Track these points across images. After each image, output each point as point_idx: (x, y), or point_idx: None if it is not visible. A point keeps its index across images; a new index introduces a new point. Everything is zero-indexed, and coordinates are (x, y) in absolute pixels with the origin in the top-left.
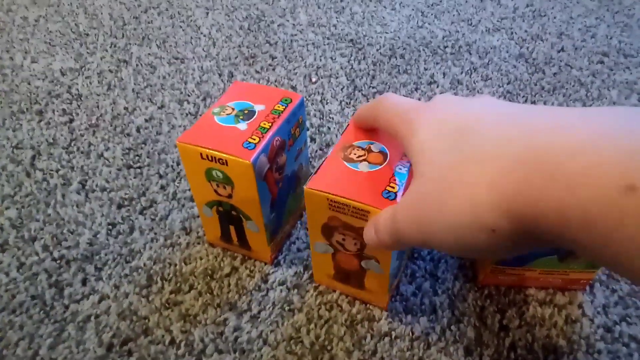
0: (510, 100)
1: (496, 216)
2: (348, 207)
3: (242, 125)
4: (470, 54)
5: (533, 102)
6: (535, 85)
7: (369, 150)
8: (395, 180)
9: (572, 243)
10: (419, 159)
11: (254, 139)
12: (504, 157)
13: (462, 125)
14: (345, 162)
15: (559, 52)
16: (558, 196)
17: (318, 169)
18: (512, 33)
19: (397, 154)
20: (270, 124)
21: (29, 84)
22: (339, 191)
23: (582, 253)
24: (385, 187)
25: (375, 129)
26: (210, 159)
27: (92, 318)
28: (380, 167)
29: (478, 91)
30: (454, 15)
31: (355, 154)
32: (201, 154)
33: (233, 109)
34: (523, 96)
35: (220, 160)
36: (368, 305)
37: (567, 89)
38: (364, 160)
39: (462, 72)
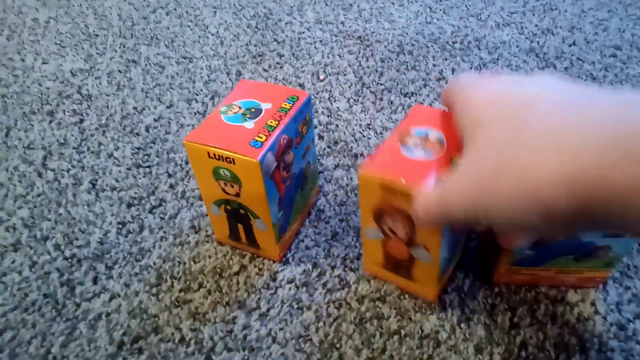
0: None
1: (558, 194)
2: (400, 191)
3: (249, 124)
4: (480, 49)
5: None
6: None
7: (426, 139)
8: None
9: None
10: (475, 131)
11: (261, 137)
12: (572, 137)
13: (524, 102)
14: (401, 147)
15: (570, 46)
16: (633, 170)
17: (374, 153)
18: (522, 27)
19: (455, 144)
20: (277, 122)
21: (40, 85)
22: (392, 175)
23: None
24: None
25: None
26: (217, 157)
27: (103, 316)
28: (435, 155)
29: None
30: (462, 10)
31: (412, 141)
32: (208, 152)
33: (240, 108)
34: None
35: (228, 159)
36: (417, 299)
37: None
38: (421, 147)
39: (471, 68)
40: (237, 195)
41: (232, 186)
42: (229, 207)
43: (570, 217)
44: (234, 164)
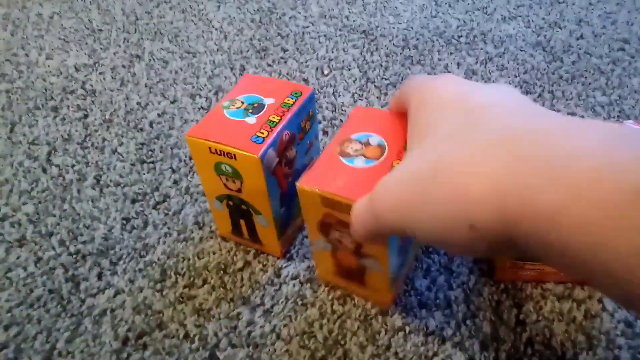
0: (527, 91)
1: (485, 212)
2: (341, 204)
3: (251, 119)
4: (486, 43)
5: (551, 92)
6: (553, 74)
7: (367, 144)
8: None
9: (552, 249)
10: (414, 134)
11: (263, 133)
12: (508, 151)
13: (470, 108)
14: (340, 157)
15: (577, 39)
16: (558, 197)
17: (312, 164)
18: (528, 21)
19: (397, 149)
20: (279, 118)
21: (44, 80)
22: (331, 188)
23: (557, 261)
24: None
25: (380, 120)
26: (219, 153)
27: (108, 312)
28: (376, 162)
29: (493, 82)
30: (468, 3)
31: (352, 148)
32: (210, 148)
33: (242, 103)
34: (540, 86)
35: (229, 155)
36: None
37: (586, 77)
38: (361, 154)
39: (476, 62)
40: (239, 190)
41: (233, 182)
42: (231, 202)
43: (496, 239)
44: (235, 159)
